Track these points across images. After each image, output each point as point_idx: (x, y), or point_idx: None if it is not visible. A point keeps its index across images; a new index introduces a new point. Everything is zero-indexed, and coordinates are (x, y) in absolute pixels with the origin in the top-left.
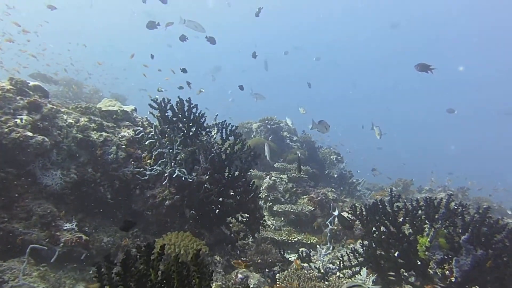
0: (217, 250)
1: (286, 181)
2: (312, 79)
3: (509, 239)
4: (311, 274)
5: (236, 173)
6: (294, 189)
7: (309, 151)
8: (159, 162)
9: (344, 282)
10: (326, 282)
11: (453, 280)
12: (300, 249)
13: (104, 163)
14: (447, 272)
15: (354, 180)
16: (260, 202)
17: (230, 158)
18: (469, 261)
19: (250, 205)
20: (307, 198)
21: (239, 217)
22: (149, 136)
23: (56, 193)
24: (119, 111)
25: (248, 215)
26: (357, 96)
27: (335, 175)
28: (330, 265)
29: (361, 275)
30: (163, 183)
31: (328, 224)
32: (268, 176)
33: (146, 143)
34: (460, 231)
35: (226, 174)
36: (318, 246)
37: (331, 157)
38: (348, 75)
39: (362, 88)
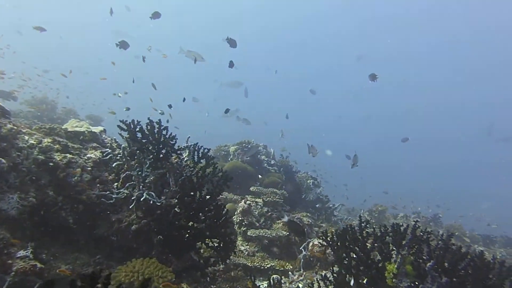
0: (185, 277)
1: (262, 205)
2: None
3: (472, 266)
4: None
5: (207, 196)
6: (269, 213)
7: (286, 175)
8: (127, 185)
9: None
10: None
11: None
12: (272, 276)
13: (67, 186)
14: None
15: (331, 205)
16: (232, 227)
17: (201, 181)
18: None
19: (221, 230)
20: (282, 223)
21: (209, 242)
22: (117, 158)
23: (12, 218)
24: (86, 132)
25: (218, 241)
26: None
27: (312, 199)
28: None
29: None
30: (130, 207)
31: (302, 250)
32: (243, 200)
33: (114, 165)
34: (426, 258)
35: (197, 198)
36: (290, 273)
37: (308, 181)
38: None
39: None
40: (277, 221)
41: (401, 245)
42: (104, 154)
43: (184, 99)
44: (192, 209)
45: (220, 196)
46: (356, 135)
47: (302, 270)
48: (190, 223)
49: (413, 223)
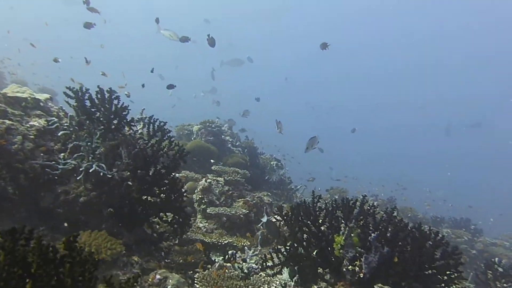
0: (137, 250)
1: (223, 183)
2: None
3: (411, 237)
4: (231, 273)
5: (163, 170)
6: (230, 192)
7: (250, 157)
8: (75, 155)
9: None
10: (246, 281)
11: (361, 276)
12: (228, 251)
13: (6, 154)
14: (357, 268)
15: (293, 187)
16: (188, 202)
17: (156, 155)
18: (377, 258)
19: (176, 204)
20: (242, 201)
21: (164, 216)
22: (64, 127)
23: None
24: (29, 98)
25: (173, 215)
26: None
27: (275, 180)
28: (254, 265)
29: (282, 275)
30: (78, 178)
31: (261, 227)
32: (204, 179)
33: (60, 134)
34: (372, 230)
35: (151, 172)
36: (246, 247)
37: (272, 163)
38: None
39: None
40: (238, 200)
41: (349, 218)
42: (49, 123)
43: (152, 70)
44: (146, 183)
45: (181, 174)
46: (323, 123)
47: (259, 246)
48: (144, 197)
49: (361, 197)
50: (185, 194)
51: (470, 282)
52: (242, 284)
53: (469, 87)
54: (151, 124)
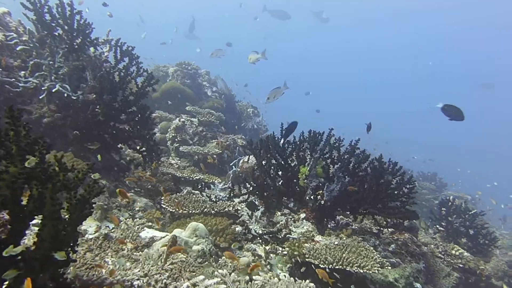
0: (105, 175)
1: (197, 124)
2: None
3: (371, 167)
4: (198, 198)
5: (131, 97)
6: (204, 133)
7: (227, 103)
8: (36, 74)
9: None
10: (212, 204)
11: (322, 203)
12: (198, 183)
13: None
14: (319, 197)
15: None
16: (160, 139)
17: (123, 80)
18: (338, 187)
19: (144, 132)
20: (216, 142)
21: (132, 144)
22: (24, 44)
23: None
24: None
25: (142, 143)
26: None
27: (251, 127)
28: (221, 194)
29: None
30: (40, 97)
31: (233, 166)
32: (178, 118)
33: (19, 49)
34: (336, 161)
35: (119, 97)
36: (216, 182)
37: (248, 110)
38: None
39: None
40: (211, 141)
41: (315, 150)
42: (7, 38)
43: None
44: (113, 109)
45: (154, 113)
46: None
47: (230, 183)
48: (112, 123)
49: (328, 130)
50: (154, 123)
51: (426, 219)
52: (207, 205)
53: None
54: (118, 48)
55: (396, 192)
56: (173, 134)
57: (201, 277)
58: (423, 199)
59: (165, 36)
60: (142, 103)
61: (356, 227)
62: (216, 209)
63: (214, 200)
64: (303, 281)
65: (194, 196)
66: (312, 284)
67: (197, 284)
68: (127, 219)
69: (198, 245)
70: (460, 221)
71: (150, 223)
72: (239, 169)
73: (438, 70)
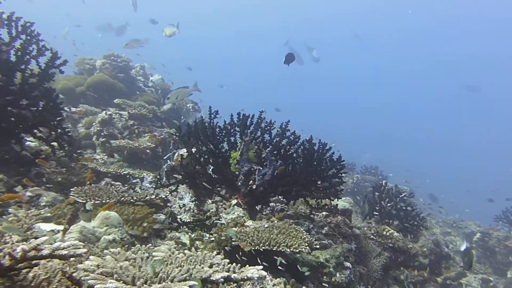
0: (4, 169)
1: (126, 117)
2: None
3: (302, 149)
4: (118, 188)
5: (32, 80)
6: (136, 127)
7: (164, 98)
8: None
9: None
10: (131, 191)
11: (254, 188)
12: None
13: None
14: (251, 182)
15: None
16: (83, 134)
17: (21, 60)
18: (270, 171)
19: (50, 118)
20: (149, 136)
21: (38, 133)
22: None
23: None
24: None
25: (50, 132)
26: None
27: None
28: (147, 184)
29: (177, 193)
30: None
31: (167, 160)
32: (104, 111)
33: None
34: (267, 145)
35: (18, 80)
36: (145, 175)
37: (188, 105)
38: None
39: None
40: (144, 135)
41: (245, 133)
42: None
43: None
44: (10, 92)
45: (78, 108)
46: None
47: (164, 178)
48: (9, 109)
49: (259, 113)
50: (62, 107)
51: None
52: (125, 195)
53: None
54: (13, 23)
55: (326, 173)
56: (98, 128)
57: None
58: (365, 191)
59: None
60: (48, 87)
61: (291, 212)
62: (135, 198)
63: (139, 191)
64: (210, 252)
65: (113, 187)
66: (220, 256)
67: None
68: (18, 211)
69: (108, 235)
70: (391, 204)
71: (50, 216)
72: (174, 163)
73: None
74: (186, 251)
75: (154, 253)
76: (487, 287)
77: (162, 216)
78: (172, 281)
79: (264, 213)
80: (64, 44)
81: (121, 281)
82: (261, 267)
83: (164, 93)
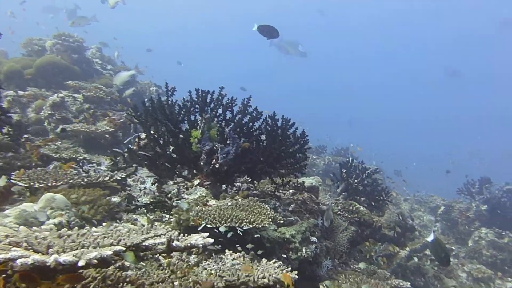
0: None
1: (81, 101)
2: None
3: (265, 125)
4: (70, 172)
5: None
6: (92, 110)
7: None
8: None
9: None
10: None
11: (217, 167)
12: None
13: None
14: (214, 160)
15: None
16: (34, 119)
17: None
18: (234, 149)
19: None
20: (107, 120)
21: None
22: None
23: None
24: None
25: None
26: None
27: None
28: (103, 168)
29: (136, 175)
30: None
31: (129, 145)
32: (55, 94)
33: None
34: (229, 123)
35: None
36: (103, 159)
37: (151, 88)
38: None
39: None
40: (103, 119)
41: (204, 110)
42: None
43: None
44: None
45: (27, 92)
46: None
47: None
48: None
49: (219, 89)
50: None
51: (328, 181)
52: (75, 177)
53: None
54: None
55: (290, 149)
56: (49, 112)
57: None
58: (335, 172)
59: None
60: None
61: (258, 191)
62: (87, 180)
63: (93, 174)
64: (158, 224)
65: (62, 170)
66: (165, 227)
67: None
68: None
69: (54, 218)
70: (358, 180)
71: None
72: (135, 147)
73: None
74: (129, 225)
75: (93, 229)
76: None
77: (117, 198)
78: (95, 248)
79: (229, 192)
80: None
81: (31, 250)
82: (206, 234)
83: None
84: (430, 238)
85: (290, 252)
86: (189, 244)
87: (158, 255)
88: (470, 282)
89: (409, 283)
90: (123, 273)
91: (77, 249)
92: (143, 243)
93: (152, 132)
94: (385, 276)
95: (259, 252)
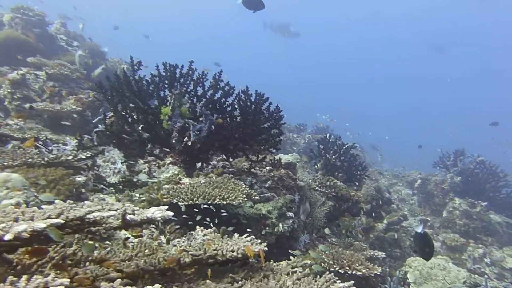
0: None
1: (44, 78)
2: None
3: (237, 100)
4: (28, 151)
5: None
6: (57, 88)
7: (93, 58)
8: None
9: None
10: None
11: (190, 145)
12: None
13: None
14: (186, 138)
15: None
16: None
17: None
18: (207, 126)
19: None
20: (74, 99)
21: None
22: None
23: None
24: None
25: None
26: None
27: None
28: (67, 147)
29: (107, 155)
30: None
31: (98, 125)
32: (15, 71)
33: None
34: (201, 98)
35: None
36: (68, 139)
37: (121, 66)
38: None
39: None
40: (69, 97)
41: (175, 86)
42: None
43: None
44: None
45: None
46: None
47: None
48: None
49: (189, 63)
50: None
51: (305, 159)
52: (35, 156)
53: None
54: None
55: (264, 125)
56: (9, 90)
57: None
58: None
59: None
60: None
61: (234, 169)
62: (48, 159)
63: (56, 153)
64: (128, 204)
65: (21, 150)
66: (123, 203)
67: None
68: None
69: (10, 198)
70: (336, 156)
71: None
72: (104, 128)
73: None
74: (87, 202)
75: (44, 206)
76: (425, 227)
77: (83, 178)
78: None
79: (205, 170)
80: None
81: None
82: (165, 207)
83: (91, 53)
84: (419, 229)
85: (267, 228)
86: (145, 218)
87: (113, 230)
88: (444, 251)
89: (384, 253)
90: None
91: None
92: (88, 216)
93: (119, 109)
94: (361, 247)
95: (230, 228)
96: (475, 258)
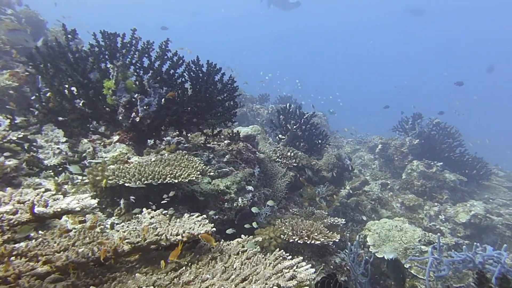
0: None
1: None
2: None
3: (188, 71)
4: None
5: None
6: None
7: (34, 30)
8: None
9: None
10: None
11: (138, 121)
12: None
13: None
14: (134, 114)
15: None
16: None
17: None
18: (156, 100)
19: None
20: (8, 74)
21: None
22: None
23: None
24: None
25: None
26: None
27: None
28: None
29: (50, 133)
30: None
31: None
32: None
33: None
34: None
35: None
36: (0, 117)
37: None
38: None
39: None
40: (3, 72)
41: (115, 57)
42: None
43: None
44: None
45: None
46: None
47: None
48: None
49: (131, 32)
50: None
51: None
52: None
53: None
54: None
55: (218, 97)
56: None
57: None
58: (274, 119)
59: None
60: None
61: (190, 145)
62: None
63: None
64: (68, 187)
65: None
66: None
67: None
68: None
69: None
70: (297, 126)
71: None
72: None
73: None
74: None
75: None
76: (385, 189)
77: (15, 161)
78: None
79: (159, 146)
80: None
81: None
82: (85, 195)
83: (29, 22)
84: (390, 256)
85: (226, 203)
86: (59, 209)
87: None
88: (403, 211)
89: (344, 220)
90: (9, 246)
91: None
92: None
93: (55, 84)
94: (322, 216)
95: (182, 206)
96: (431, 216)
